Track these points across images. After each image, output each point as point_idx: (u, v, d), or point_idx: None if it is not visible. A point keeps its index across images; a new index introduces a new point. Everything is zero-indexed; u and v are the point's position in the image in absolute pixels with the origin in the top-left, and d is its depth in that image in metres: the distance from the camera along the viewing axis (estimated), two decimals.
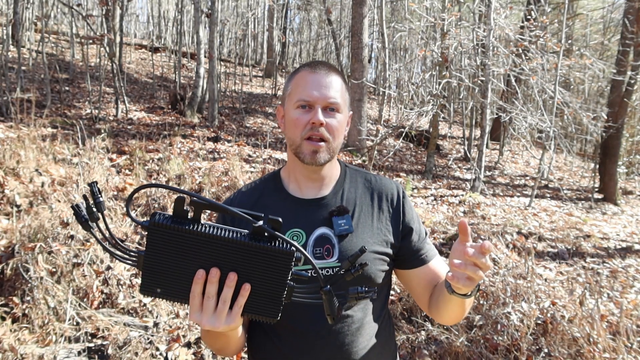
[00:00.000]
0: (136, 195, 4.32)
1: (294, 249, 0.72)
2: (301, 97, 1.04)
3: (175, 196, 0.67)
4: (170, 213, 0.70)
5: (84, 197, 0.71)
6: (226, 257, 0.72)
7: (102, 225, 0.72)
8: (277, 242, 0.72)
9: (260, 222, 0.71)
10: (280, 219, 0.72)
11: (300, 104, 1.04)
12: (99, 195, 0.71)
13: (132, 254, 0.73)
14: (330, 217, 1.07)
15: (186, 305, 0.76)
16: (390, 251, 1.09)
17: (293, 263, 0.73)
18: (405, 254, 1.11)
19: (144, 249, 0.72)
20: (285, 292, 0.75)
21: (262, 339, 1.10)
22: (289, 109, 1.07)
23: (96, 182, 0.72)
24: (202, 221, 0.71)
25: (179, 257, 0.71)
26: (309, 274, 0.80)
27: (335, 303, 0.79)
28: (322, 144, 1.04)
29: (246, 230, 0.73)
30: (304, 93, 1.03)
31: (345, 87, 1.10)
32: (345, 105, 1.09)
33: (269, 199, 1.12)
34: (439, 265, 1.13)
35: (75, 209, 0.71)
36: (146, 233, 0.71)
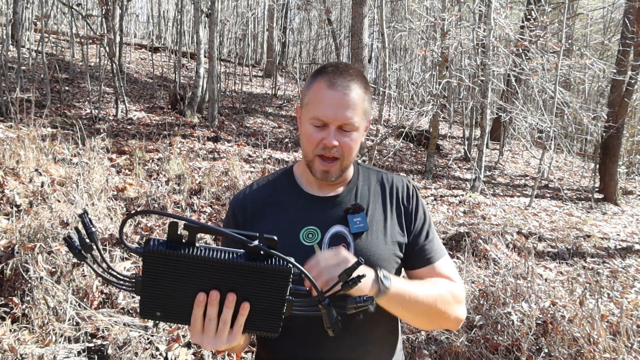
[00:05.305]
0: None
1: (290, 266, 0.71)
2: (316, 115, 1.01)
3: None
4: (165, 238, 0.70)
5: (76, 229, 0.71)
6: (224, 278, 0.72)
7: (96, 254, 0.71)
8: (273, 260, 0.71)
9: (255, 242, 0.70)
10: (276, 237, 0.71)
11: (315, 122, 1.01)
12: (91, 225, 0.70)
13: (128, 280, 0.73)
14: (345, 215, 1.06)
15: (187, 326, 0.76)
16: (400, 254, 1.08)
17: (291, 279, 0.72)
18: (411, 253, 1.09)
19: (140, 274, 0.71)
20: (285, 307, 0.75)
21: (273, 340, 1.09)
22: (304, 121, 1.05)
23: (87, 212, 0.70)
24: (197, 244, 0.71)
25: (177, 281, 0.71)
26: (308, 289, 0.79)
27: (334, 315, 0.78)
28: (334, 163, 1.03)
29: (242, 250, 0.72)
30: (319, 111, 1.00)
31: (364, 96, 1.04)
32: (363, 119, 1.05)
33: (282, 195, 1.11)
34: (445, 267, 1.09)
35: (68, 240, 0.69)
36: (141, 260, 0.70)
